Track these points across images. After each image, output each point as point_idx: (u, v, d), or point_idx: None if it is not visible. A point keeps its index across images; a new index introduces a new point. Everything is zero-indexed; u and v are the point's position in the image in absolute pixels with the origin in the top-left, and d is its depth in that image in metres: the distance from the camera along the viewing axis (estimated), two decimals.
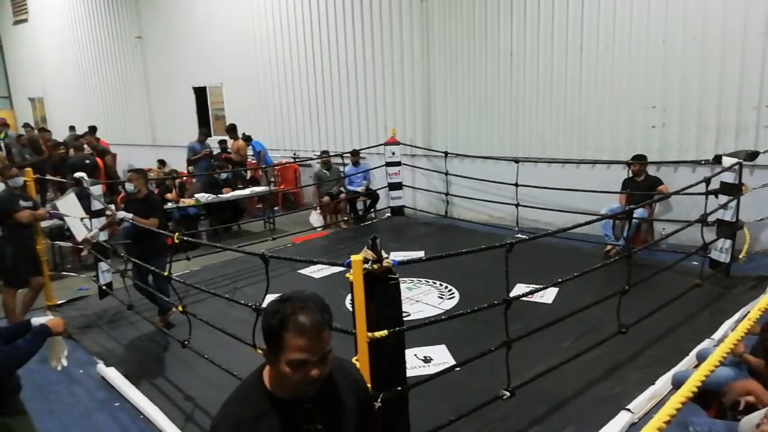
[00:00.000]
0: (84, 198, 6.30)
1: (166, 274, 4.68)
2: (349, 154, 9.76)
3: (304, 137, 11.42)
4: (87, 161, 9.55)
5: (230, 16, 12.15)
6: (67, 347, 3.08)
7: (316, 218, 9.46)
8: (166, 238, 5.42)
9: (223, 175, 9.72)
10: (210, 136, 11.61)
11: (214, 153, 11.12)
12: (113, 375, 4.63)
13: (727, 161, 5.67)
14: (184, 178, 10.06)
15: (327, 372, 1.55)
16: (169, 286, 5.19)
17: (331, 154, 9.82)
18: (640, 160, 6.86)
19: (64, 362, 3.05)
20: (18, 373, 2.88)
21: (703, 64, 6.73)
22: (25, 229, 5.76)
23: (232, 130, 11.12)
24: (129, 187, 5.65)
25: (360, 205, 9.92)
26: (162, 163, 12.89)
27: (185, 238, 4.70)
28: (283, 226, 9.48)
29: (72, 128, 14.36)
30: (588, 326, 4.74)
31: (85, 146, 11.06)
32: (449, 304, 5.75)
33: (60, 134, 14.16)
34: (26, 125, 15.38)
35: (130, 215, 5.41)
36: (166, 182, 9.28)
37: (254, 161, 11.09)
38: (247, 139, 11.01)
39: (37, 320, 2.90)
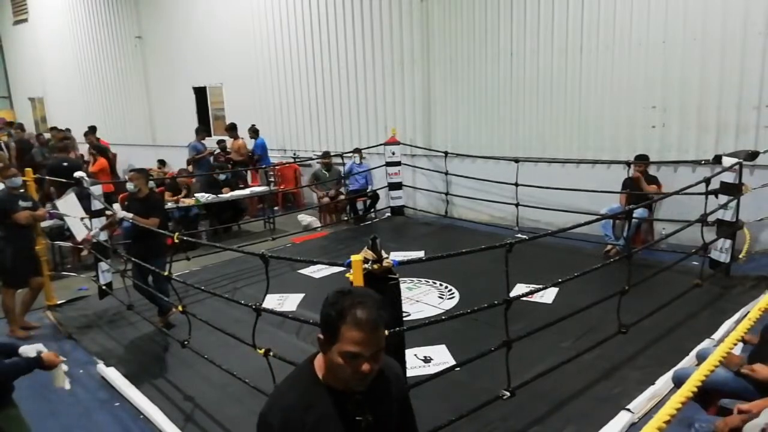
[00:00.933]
0: (84, 198, 6.30)
1: (166, 274, 4.68)
2: (350, 154, 9.76)
3: (304, 137, 11.42)
4: (65, 163, 9.03)
5: (230, 16, 12.15)
6: (66, 377, 3.06)
7: (307, 218, 9.46)
8: (166, 239, 5.43)
9: (222, 176, 9.71)
10: (209, 135, 11.62)
11: (215, 153, 11.13)
12: (113, 375, 4.63)
13: (727, 161, 5.67)
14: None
15: (377, 369, 1.58)
16: (169, 286, 5.20)
17: (331, 154, 9.82)
18: (643, 160, 6.84)
19: (67, 385, 3.06)
20: None
21: (703, 64, 6.73)
22: (24, 229, 5.74)
23: (232, 129, 11.13)
24: (129, 186, 5.65)
25: (360, 205, 9.92)
26: (162, 163, 12.90)
27: (185, 238, 4.70)
28: (283, 226, 9.48)
29: (67, 130, 14.35)
30: (588, 326, 4.73)
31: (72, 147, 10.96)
32: (449, 304, 5.75)
33: None
34: (18, 125, 15.34)
35: (131, 215, 5.41)
36: (177, 182, 9.29)
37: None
38: (255, 132, 11.03)
39: (26, 348, 2.90)
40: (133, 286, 5.59)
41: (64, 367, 3.02)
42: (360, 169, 9.63)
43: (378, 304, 1.57)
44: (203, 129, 11.45)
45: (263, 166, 10.83)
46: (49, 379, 3.03)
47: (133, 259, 5.35)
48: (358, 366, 1.52)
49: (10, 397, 2.93)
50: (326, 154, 9.73)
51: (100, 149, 10.87)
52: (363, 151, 9.75)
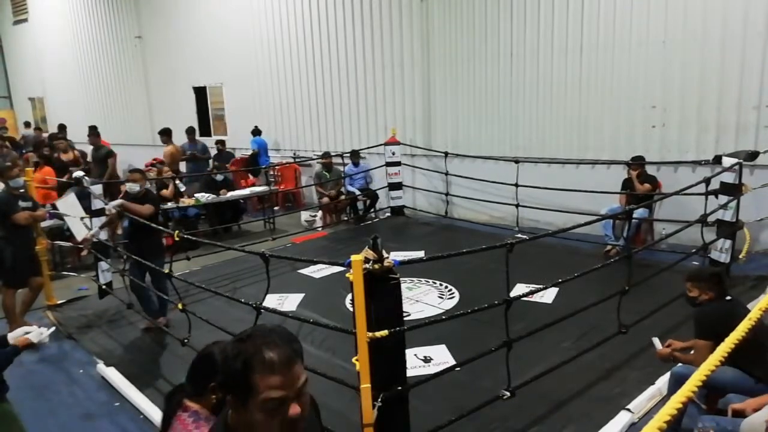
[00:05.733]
0: (84, 198, 6.30)
1: (166, 272, 4.68)
2: (349, 155, 9.76)
3: (304, 137, 11.41)
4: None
5: (230, 16, 12.14)
6: (38, 334, 3.02)
7: (308, 218, 9.45)
8: (164, 238, 5.43)
9: (220, 177, 9.66)
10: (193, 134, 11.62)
11: (213, 154, 11.13)
12: (113, 375, 4.63)
13: (727, 161, 5.67)
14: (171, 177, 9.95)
15: (306, 410, 1.34)
16: (168, 286, 5.20)
17: (332, 154, 9.80)
18: (638, 161, 6.84)
19: (44, 338, 3.02)
20: (5, 375, 2.91)
21: (703, 64, 6.73)
22: (24, 229, 5.73)
23: (165, 134, 10.87)
24: (130, 186, 5.63)
25: (360, 205, 9.92)
26: (162, 163, 12.86)
27: (185, 236, 4.69)
28: (283, 226, 9.48)
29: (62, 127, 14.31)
30: (588, 326, 4.73)
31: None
32: (449, 304, 5.75)
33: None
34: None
35: (119, 201, 5.42)
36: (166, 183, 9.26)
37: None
38: (258, 133, 11.07)
39: (13, 334, 2.91)
40: (129, 283, 5.59)
41: (28, 329, 2.99)
42: (357, 170, 9.63)
43: (285, 337, 1.33)
44: (191, 130, 11.47)
45: (262, 167, 10.85)
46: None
47: (132, 256, 5.36)
48: (286, 412, 1.27)
49: (6, 398, 2.93)
50: (326, 155, 9.71)
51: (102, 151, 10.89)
52: (362, 151, 9.75)
